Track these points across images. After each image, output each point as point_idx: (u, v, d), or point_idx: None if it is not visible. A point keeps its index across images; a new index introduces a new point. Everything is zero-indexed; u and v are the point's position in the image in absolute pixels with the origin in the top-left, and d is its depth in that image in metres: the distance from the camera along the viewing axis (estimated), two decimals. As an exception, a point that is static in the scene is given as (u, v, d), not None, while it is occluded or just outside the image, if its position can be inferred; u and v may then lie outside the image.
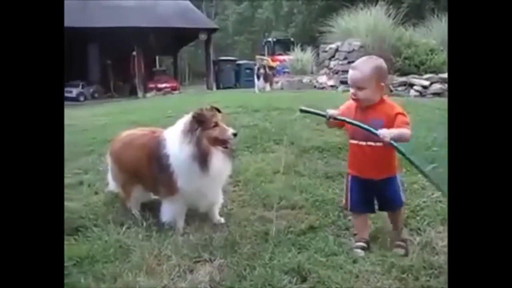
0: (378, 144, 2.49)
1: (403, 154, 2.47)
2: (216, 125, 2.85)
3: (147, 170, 3.05)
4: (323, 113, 2.64)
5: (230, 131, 2.85)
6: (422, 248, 2.60)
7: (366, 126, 2.47)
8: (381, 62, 2.63)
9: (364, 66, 2.57)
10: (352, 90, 2.59)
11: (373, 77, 2.52)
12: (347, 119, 2.57)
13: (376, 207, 2.76)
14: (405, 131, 2.47)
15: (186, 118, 2.92)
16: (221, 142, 2.86)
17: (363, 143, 2.59)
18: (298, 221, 3.02)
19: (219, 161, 2.88)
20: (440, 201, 3.16)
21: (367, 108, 2.59)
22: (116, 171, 3.37)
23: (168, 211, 3.02)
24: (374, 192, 2.69)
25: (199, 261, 2.55)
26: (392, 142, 2.40)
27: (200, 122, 2.83)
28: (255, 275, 2.34)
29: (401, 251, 2.57)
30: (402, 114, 2.54)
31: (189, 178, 2.87)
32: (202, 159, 2.79)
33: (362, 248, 2.61)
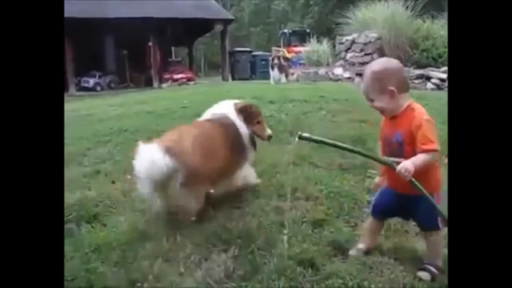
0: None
1: (427, 199, 2.17)
2: (259, 122, 3.33)
3: (227, 152, 3.14)
4: (327, 140, 2.27)
5: (266, 133, 3.34)
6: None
7: (384, 159, 2.23)
8: (381, 64, 2.33)
9: (365, 75, 2.31)
10: (368, 103, 2.35)
11: (374, 85, 2.25)
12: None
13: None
14: (428, 156, 2.11)
15: (229, 107, 3.32)
16: (259, 137, 3.35)
17: (393, 159, 2.24)
18: (313, 212, 3.03)
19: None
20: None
21: (392, 118, 2.30)
22: (190, 173, 2.76)
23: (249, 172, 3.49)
24: (405, 207, 2.36)
25: (214, 251, 2.58)
26: (413, 180, 2.09)
27: (244, 115, 3.28)
28: (269, 265, 2.37)
29: (425, 275, 2.27)
30: (423, 128, 2.14)
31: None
32: (253, 144, 3.35)
33: (360, 250, 2.49)
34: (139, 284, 2.25)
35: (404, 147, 2.22)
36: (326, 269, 2.34)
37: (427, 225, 2.36)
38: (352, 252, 2.51)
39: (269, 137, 3.24)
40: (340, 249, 2.55)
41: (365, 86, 2.30)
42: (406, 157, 2.18)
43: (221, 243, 2.64)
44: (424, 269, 2.30)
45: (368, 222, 2.62)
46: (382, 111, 2.31)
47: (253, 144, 3.34)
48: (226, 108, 3.34)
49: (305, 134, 2.09)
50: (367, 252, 2.50)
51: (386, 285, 2.20)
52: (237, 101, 3.44)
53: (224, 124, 3.22)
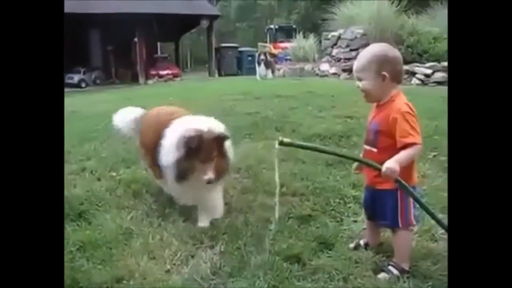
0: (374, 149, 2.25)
1: (413, 197, 2.14)
2: (202, 162, 2.64)
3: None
4: (309, 145, 2.31)
5: (206, 177, 2.61)
6: (421, 235, 2.62)
7: (368, 161, 2.18)
8: (382, 47, 2.31)
9: (362, 54, 2.29)
10: (356, 83, 2.32)
11: (370, 66, 2.21)
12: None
13: None
14: (411, 151, 2.08)
15: (182, 132, 2.69)
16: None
17: (367, 147, 2.32)
18: (299, 208, 3.04)
19: (201, 183, 2.66)
20: (440, 190, 3.18)
21: (377, 107, 2.30)
22: (140, 148, 3.38)
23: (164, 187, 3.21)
24: (374, 202, 2.36)
25: (200, 247, 2.58)
26: (399, 180, 2.05)
27: (189, 148, 2.63)
28: (256, 261, 2.37)
29: (383, 276, 2.25)
30: (401, 121, 2.11)
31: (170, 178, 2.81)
32: (179, 176, 2.70)
33: (358, 245, 2.52)
34: (125, 282, 2.24)
35: (379, 136, 2.21)
36: (313, 264, 2.35)
37: (389, 223, 2.31)
38: (351, 245, 2.54)
39: (208, 182, 2.61)
40: (326, 244, 2.57)
41: (359, 64, 2.27)
42: (379, 147, 2.20)
43: (207, 240, 2.64)
44: (384, 270, 2.27)
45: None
46: (367, 93, 2.27)
47: (180, 176, 2.71)
48: (183, 127, 2.76)
49: (286, 140, 2.01)
50: (366, 247, 2.50)
51: (372, 280, 2.22)
52: (209, 125, 2.75)
53: (166, 121, 2.92)
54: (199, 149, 2.62)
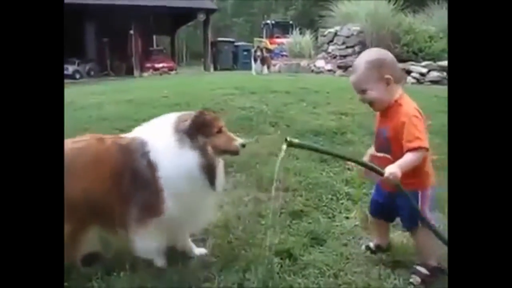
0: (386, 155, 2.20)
1: (409, 200, 2.11)
2: (220, 131, 2.23)
3: (115, 192, 2.19)
4: (318, 147, 2.24)
5: (239, 141, 2.25)
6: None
7: (372, 165, 2.08)
8: (376, 52, 2.26)
9: (357, 65, 2.20)
10: (358, 96, 2.24)
11: (371, 73, 2.14)
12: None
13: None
14: (415, 156, 2.04)
15: (175, 119, 2.23)
16: (228, 153, 2.26)
17: (379, 154, 2.24)
18: (291, 203, 3.04)
19: (221, 174, 2.28)
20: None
21: (382, 113, 2.25)
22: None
23: (143, 244, 2.26)
24: (390, 203, 2.29)
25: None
26: (399, 185, 2.03)
27: (200, 126, 2.17)
28: (247, 255, 2.37)
29: (415, 279, 2.19)
30: (408, 124, 2.08)
31: (186, 196, 2.18)
32: (210, 172, 2.16)
33: (368, 248, 2.47)
34: (115, 274, 2.23)
35: (391, 142, 2.17)
36: (304, 260, 2.35)
37: (408, 224, 2.30)
38: (362, 247, 2.49)
39: (243, 146, 2.25)
40: (318, 240, 2.57)
41: (359, 76, 2.18)
42: (393, 152, 2.14)
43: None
44: (414, 272, 2.22)
45: (370, 219, 2.58)
46: (373, 102, 2.20)
47: (208, 176, 2.16)
48: (165, 120, 2.29)
49: (295, 141, 1.89)
50: (376, 250, 2.46)
51: (362, 276, 2.23)
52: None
53: (123, 148, 2.28)
54: (208, 122, 2.19)
